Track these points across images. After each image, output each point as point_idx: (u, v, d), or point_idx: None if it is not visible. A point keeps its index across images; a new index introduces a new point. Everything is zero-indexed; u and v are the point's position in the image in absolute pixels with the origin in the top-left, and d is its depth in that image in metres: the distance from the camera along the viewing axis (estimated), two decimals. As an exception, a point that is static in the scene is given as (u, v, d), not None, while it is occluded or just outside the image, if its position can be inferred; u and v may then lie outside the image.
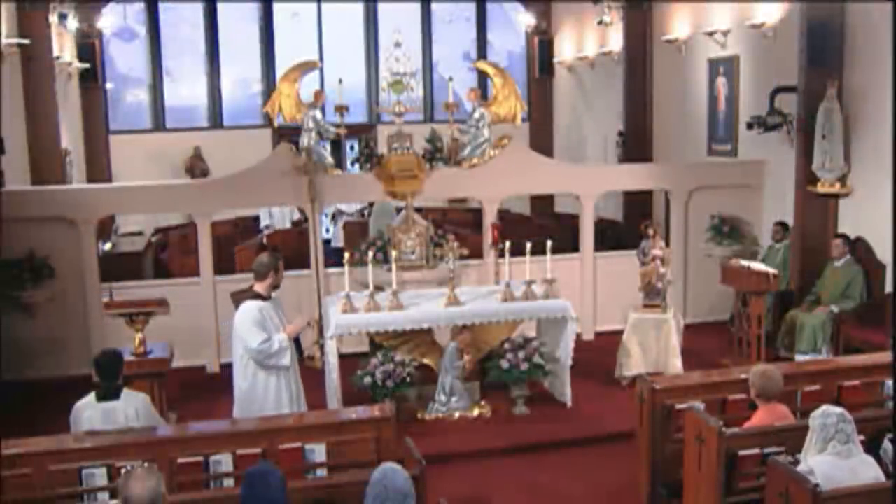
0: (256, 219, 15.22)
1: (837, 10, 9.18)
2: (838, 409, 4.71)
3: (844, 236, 9.20)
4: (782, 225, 10.16)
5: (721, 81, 11.74)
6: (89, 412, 5.54)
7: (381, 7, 17.79)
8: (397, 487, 3.90)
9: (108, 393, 5.60)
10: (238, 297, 6.93)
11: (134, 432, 5.40)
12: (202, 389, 8.99)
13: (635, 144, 13.96)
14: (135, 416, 5.57)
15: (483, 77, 14.68)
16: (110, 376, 5.66)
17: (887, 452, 5.02)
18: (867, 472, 4.62)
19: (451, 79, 10.23)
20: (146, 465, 4.05)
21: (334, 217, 14.82)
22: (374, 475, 3.98)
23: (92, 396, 5.61)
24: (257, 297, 6.49)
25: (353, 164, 12.58)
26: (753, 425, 5.44)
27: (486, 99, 10.63)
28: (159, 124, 17.01)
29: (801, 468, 4.64)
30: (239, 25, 17.33)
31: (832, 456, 4.58)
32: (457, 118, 10.16)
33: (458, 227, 12.73)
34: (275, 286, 6.58)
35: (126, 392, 5.68)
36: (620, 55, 14.19)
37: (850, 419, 4.66)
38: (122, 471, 4.31)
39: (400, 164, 9.16)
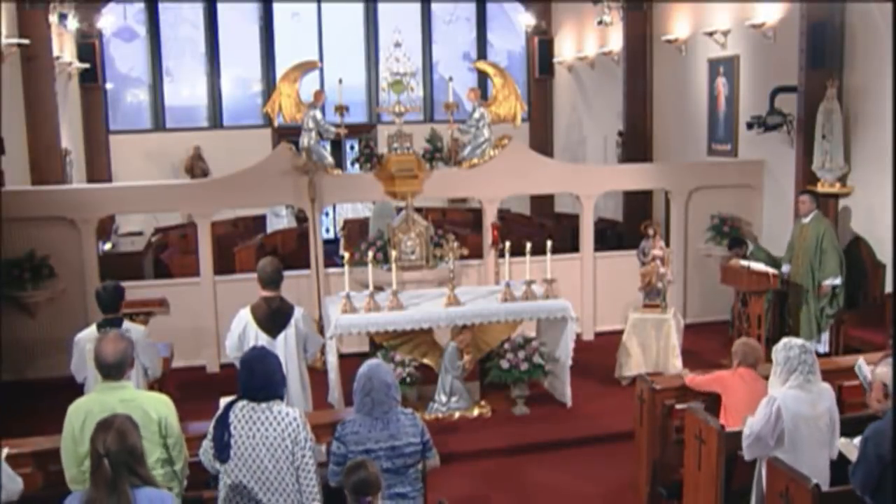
0: (256, 219, 15.21)
1: (837, 10, 9.19)
2: (799, 341, 5.01)
3: (811, 192, 9.04)
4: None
5: (721, 81, 11.73)
6: (90, 344, 5.65)
7: (381, 7, 17.79)
8: (382, 380, 4.21)
9: (109, 324, 5.79)
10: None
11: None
12: (202, 389, 8.97)
13: (635, 144, 13.95)
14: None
15: (483, 77, 14.68)
16: (111, 308, 5.88)
17: (861, 369, 5.31)
18: (823, 403, 4.92)
19: (451, 79, 10.23)
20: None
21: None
22: (361, 370, 4.29)
23: (93, 328, 5.83)
24: None
25: (353, 164, 12.56)
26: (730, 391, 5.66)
27: (486, 99, 10.62)
28: (159, 124, 17.02)
29: (767, 398, 4.91)
30: (239, 25, 17.34)
31: (796, 389, 4.86)
32: (457, 118, 10.16)
33: (458, 227, 12.73)
34: None
35: (126, 324, 5.88)
36: (620, 55, 14.18)
37: (812, 350, 4.98)
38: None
39: (400, 164, 9.14)
